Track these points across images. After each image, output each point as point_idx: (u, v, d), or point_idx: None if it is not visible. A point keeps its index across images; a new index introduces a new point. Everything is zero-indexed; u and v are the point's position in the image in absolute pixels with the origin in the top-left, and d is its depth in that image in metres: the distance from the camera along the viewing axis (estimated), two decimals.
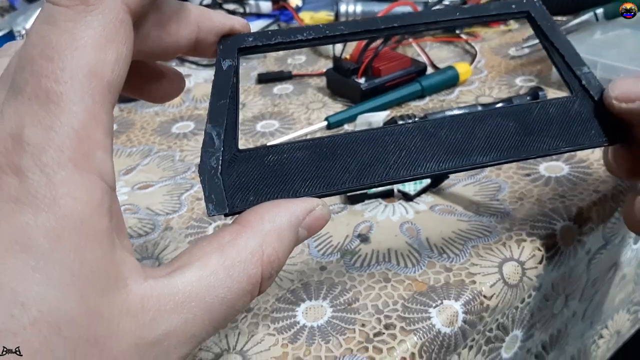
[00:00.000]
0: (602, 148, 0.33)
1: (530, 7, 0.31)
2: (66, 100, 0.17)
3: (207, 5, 0.81)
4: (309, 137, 0.49)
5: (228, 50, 0.28)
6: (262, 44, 0.28)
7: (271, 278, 0.22)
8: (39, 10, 0.88)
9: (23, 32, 0.79)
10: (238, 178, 0.25)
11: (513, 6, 0.31)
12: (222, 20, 0.26)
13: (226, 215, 0.25)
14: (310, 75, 0.61)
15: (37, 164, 0.17)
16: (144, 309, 0.18)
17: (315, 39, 0.29)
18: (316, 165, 0.27)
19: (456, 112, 0.46)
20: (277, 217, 0.23)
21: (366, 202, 0.39)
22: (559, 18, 0.65)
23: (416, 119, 0.45)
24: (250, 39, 0.28)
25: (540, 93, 0.47)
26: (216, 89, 0.27)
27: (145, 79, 0.27)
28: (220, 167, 0.25)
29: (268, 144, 0.46)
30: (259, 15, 0.77)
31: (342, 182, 0.27)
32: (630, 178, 0.32)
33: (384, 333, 0.29)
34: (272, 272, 0.22)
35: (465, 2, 0.51)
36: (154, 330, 0.18)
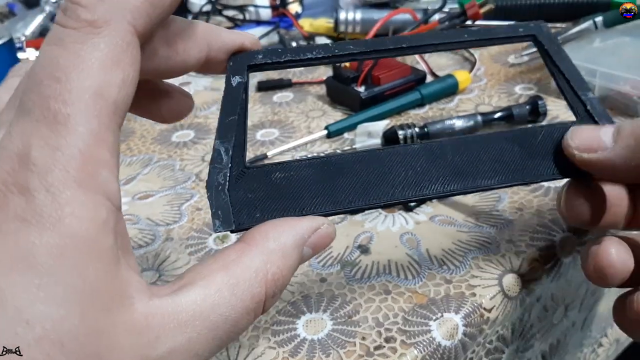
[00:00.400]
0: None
1: (537, 31, 0.31)
2: (72, 122, 0.18)
3: (207, 12, 0.81)
4: (314, 152, 0.49)
5: (238, 67, 0.28)
6: (271, 62, 0.28)
7: (275, 297, 0.22)
8: (39, 17, 0.87)
9: (22, 38, 0.79)
10: (245, 194, 0.25)
11: (520, 30, 0.31)
12: (233, 38, 0.26)
13: (232, 231, 0.25)
14: (310, 83, 0.61)
15: (43, 184, 0.17)
16: (149, 327, 0.18)
17: (324, 57, 0.29)
18: (323, 184, 0.27)
19: (457, 122, 0.46)
20: (282, 235, 0.23)
21: (366, 212, 0.39)
22: (559, 25, 0.65)
23: (416, 129, 0.45)
24: (260, 57, 0.28)
25: (539, 102, 0.47)
26: (225, 105, 0.27)
27: (153, 99, 0.27)
28: (227, 183, 0.25)
29: (268, 153, 0.47)
30: (258, 22, 0.77)
31: (349, 201, 0.27)
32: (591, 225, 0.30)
33: (384, 346, 0.29)
34: (276, 290, 0.22)
35: (465, 12, 0.51)
36: (158, 349, 0.19)
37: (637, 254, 0.28)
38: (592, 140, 0.27)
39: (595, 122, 0.30)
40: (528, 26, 0.31)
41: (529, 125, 0.34)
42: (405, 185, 0.27)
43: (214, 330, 0.20)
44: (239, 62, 0.28)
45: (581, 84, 0.31)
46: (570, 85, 0.31)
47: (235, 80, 0.28)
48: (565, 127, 0.30)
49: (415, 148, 0.28)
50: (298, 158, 0.30)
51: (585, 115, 0.30)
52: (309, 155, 0.28)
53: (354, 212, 0.29)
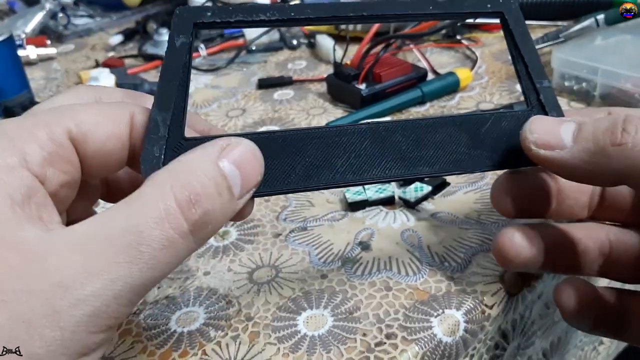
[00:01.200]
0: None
1: (504, 8, 0.30)
2: None
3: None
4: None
5: (183, 26, 0.26)
6: (220, 21, 0.27)
7: (200, 207, 0.22)
8: (39, 15, 0.86)
9: (23, 36, 0.79)
10: None
11: (488, 5, 0.30)
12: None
13: None
14: (311, 81, 0.61)
15: None
16: (37, 250, 0.20)
17: (278, 20, 0.27)
18: (265, 162, 0.25)
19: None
20: (184, 156, 0.23)
21: (367, 209, 0.39)
22: (560, 23, 0.65)
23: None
24: (209, 14, 0.26)
25: None
26: (166, 70, 0.26)
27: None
28: (163, 156, 0.24)
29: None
30: None
31: (287, 183, 0.26)
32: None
33: (385, 343, 0.28)
34: (197, 199, 0.22)
35: None
36: (49, 271, 0.20)
37: (558, 241, 0.29)
38: (552, 137, 0.26)
39: (545, 113, 0.29)
40: (497, 2, 0.30)
41: (479, 111, 0.32)
42: (347, 168, 0.27)
43: (112, 245, 0.20)
44: (185, 20, 0.26)
45: (538, 71, 0.30)
46: (527, 72, 0.30)
47: (179, 40, 0.26)
48: (514, 115, 0.29)
49: (362, 128, 0.28)
50: (242, 132, 0.28)
51: (537, 104, 0.29)
52: (256, 130, 0.27)
53: (291, 193, 0.30)
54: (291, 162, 0.26)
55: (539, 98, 0.29)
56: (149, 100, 0.27)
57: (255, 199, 0.26)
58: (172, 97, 0.25)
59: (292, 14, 0.27)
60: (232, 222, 0.39)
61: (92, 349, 0.20)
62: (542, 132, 0.26)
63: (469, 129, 0.29)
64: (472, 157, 0.28)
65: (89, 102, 0.26)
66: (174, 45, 0.26)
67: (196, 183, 0.22)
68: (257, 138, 0.26)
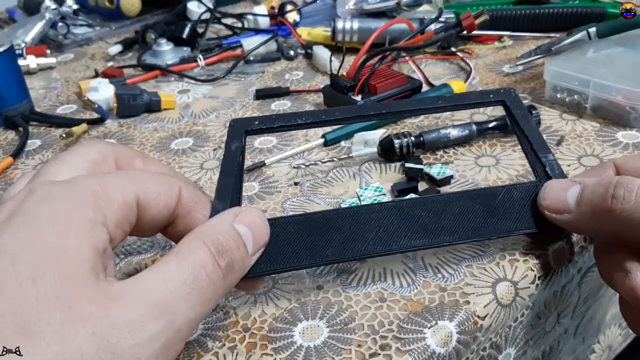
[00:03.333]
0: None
1: (506, 97, 0.35)
2: None
3: (206, 20, 0.82)
4: (312, 160, 0.49)
5: (236, 133, 0.32)
6: (265, 127, 0.33)
7: (229, 256, 0.26)
8: (39, 24, 0.87)
9: (23, 45, 0.80)
10: None
11: (491, 96, 0.35)
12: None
13: None
14: (308, 92, 0.61)
15: None
16: (103, 299, 0.23)
17: (312, 122, 0.33)
18: (305, 239, 0.31)
19: (453, 131, 0.46)
20: (206, 223, 0.28)
21: None
22: (553, 35, 0.66)
23: (412, 138, 0.46)
24: (256, 123, 0.33)
25: (533, 112, 0.48)
26: (224, 168, 0.31)
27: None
28: None
29: (266, 161, 0.47)
30: (257, 31, 0.78)
31: (326, 255, 0.31)
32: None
33: (379, 354, 0.29)
34: (227, 251, 0.26)
35: (460, 23, 0.52)
36: (110, 315, 0.22)
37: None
38: (559, 202, 0.31)
39: None
40: (498, 92, 0.35)
41: (490, 186, 0.35)
42: (377, 241, 0.31)
43: (152, 297, 0.23)
44: (238, 128, 0.32)
45: (542, 147, 0.34)
46: (532, 148, 0.34)
47: (234, 144, 0.32)
48: (523, 186, 0.33)
49: (388, 206, 0.32)
50: (285, 215, 0.35)
51: (544, 175, 0.33)
52: (294, 214, 0.33)
53: (331, 264, 0.34)
54: (330, 238, 0.31)
55: (545, 170, 0.33)
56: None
57: None
58: (229, 191, 0.31)
59: (323, 117, 0.33)
60: None
61: None
62: (552, 199, 0.31)
63: (483, 201, 0.33)
64: (488, 225, 0.32)
65: (146, 172, 0.30)
66: (230, 149, 0.32)
67: (221, 239, 0.26)
68: (300, 219, 0.31)
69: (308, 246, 0.30)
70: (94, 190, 0.25)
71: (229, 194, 0.30)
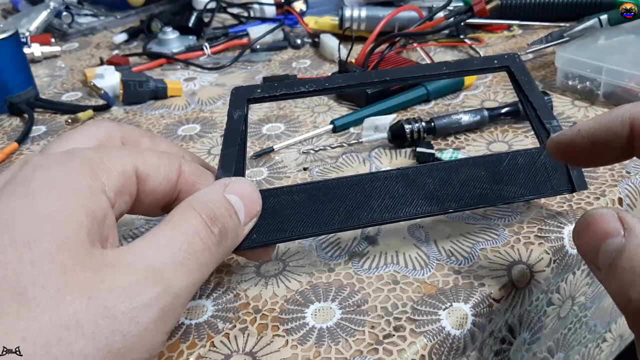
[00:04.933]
0: None
1: (510, 62, 0.34)
2: None
3: (212, 10, 0.81)
4: (321, 146, 0.49)
5: (238, 101, 0.31)
6: (268, 95, 0.32)
7: (223, 221, 0.26)
8: (43, 13, 0.87)
9: (27, 34, 0.79)
10: None
11: (495, 61, 0.34)
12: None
13: (233, 252, 0.29)
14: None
15: None
16: (97, 266, 0.22)
17: (316, 90, 0.32)
18: (310, 208, 0.30)
19: (464, 117, 0.46)
20: (197, 193, 0.28)
21: None
22: (563, 24, 0.65)
23: (423, 124, 0.45)
24: (259, 91, 0.31)
25: (545, 98, 0.47)
26: (227, 137, 0.31)
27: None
28: None
29: (274, 146, 0.47)
30: (263, 20, 0.77)
31: (332, 224, 0.30)
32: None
33: (393, 335, 0.29)
34: (220, 218, 0.26)
35: (471, 9, 0.51)
36: (105, 280, 0.22)
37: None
38: (591, 254, 0.24)
39: None
40: (503, 57, 0.34)
41: (495, 152, 0.34)
42: (383, 208, 0.31)
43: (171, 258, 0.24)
44: (239, 96, 0.31)
45: (546, 113, 0.34)
46: (536, 114, 0.34)
47: (236, 113, 0.31)
48: (528, 153, 0.33)
49: (392, 173, 0.31)
50: (289, 184, 0.34)
51: None
52: (299, 182, 0.32)
53: (336, 232, 0.33)
54: (334, 207, 0.30)
55: (549, 136, 0.32)
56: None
57: None
58: (233, 160, 0.30)
59: (327, 84, 0.32)
60: None
61: (157, 350, 0.23)
62: (585, 245, 0.25)
63: (488, 168, 0.32)
64: (494, 191, 0.32)
65: (145, 147, 0.30)
66: (232, 118, 0.31)
67: (212, 207, 0.26)
68: (305, 188, 0.31)
69: (313, 215, 0.30)
70: (92, 159, 0.25)
71: (232, 163, 0.30)
